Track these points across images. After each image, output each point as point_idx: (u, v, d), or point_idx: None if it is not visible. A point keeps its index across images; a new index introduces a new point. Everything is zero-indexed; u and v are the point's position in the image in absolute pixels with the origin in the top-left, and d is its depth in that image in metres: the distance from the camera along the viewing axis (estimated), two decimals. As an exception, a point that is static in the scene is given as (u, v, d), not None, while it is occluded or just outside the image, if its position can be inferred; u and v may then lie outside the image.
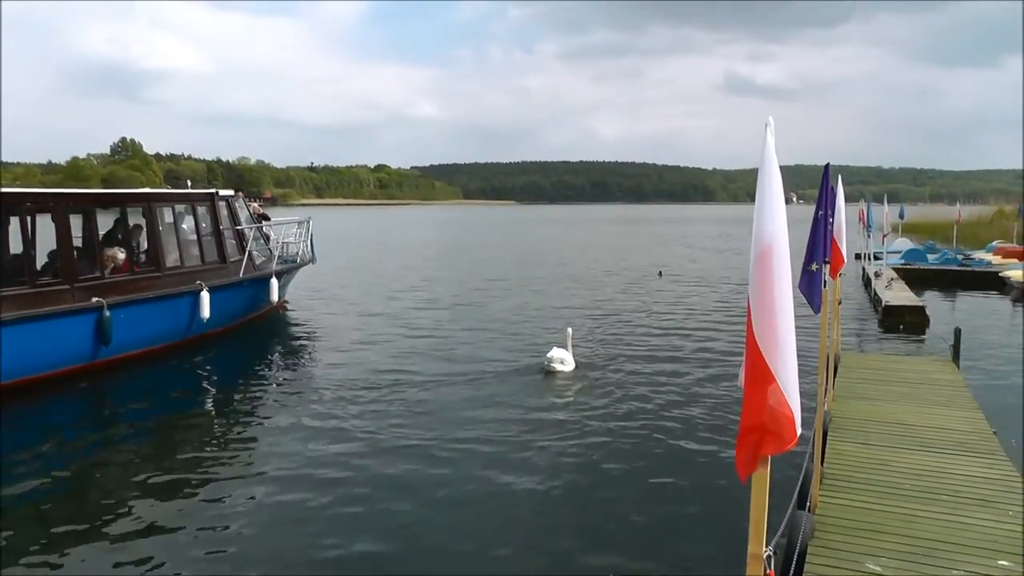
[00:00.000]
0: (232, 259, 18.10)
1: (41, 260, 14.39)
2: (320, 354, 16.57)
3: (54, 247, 14.38)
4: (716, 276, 31.44)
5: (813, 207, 6.69)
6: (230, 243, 18.26)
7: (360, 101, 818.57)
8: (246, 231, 19.09)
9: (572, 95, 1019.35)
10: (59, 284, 13.94)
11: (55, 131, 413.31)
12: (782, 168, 3.10)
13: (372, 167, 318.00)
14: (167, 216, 16.91)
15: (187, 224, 17.41)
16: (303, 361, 16.18)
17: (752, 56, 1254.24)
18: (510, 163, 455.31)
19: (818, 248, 6.52)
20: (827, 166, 6.74)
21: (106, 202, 16.67)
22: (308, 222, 23.27)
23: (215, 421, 12.10)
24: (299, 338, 19.00)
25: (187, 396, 13.50)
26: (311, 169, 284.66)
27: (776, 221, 3.03)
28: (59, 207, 14.55)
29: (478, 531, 7.77)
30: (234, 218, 18.76)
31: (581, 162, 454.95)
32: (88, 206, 15.79)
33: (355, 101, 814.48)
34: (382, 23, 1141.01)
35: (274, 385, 14.03)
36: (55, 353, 13.54)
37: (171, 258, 16.48)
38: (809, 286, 6.34)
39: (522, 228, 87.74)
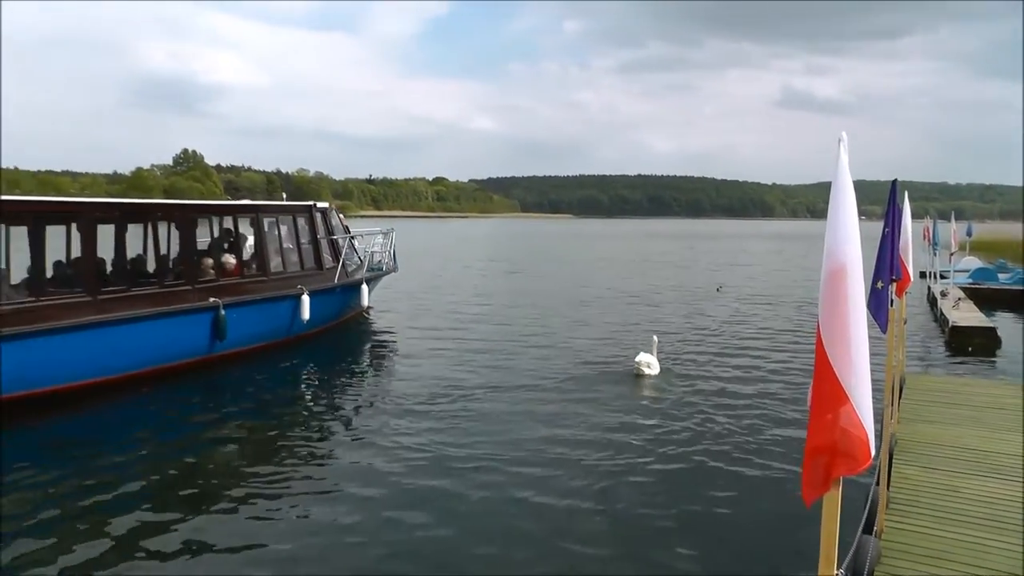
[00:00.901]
0: (328, 266, 19.49)
1: (152, 264, 15.75)
2: (401, 359, 17.31)
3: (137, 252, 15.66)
4: (775, 293, 31.10)
5: (874, 223, 6.56)
6: (326, 251, 19.64)
7: (416, 115, 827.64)
8: (340, 240, 20.44)
9: (627, 109, 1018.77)
10: (182, 285, 15.33)
11: (120, 143, 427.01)
12: (840, 184, 3.02)
13: (430, 180, 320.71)
14: (271, 226, 18.25)
15: (288, 233, 18.70)
16: (386, 365, 17.08)
17: (809, 70, 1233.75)
18: (567, 176, 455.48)
19: (884, 266, 6.43)
20: (894, 182, 6.61)
21: (221, 212, 17.98)
22: (392, 233, 24.45)
23: (303, 420, 12.54)
24: (381, 342, 19.91)
25: (283, 394, 14.46)
26: (369, 181, 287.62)
27: (850, 239, 2.97)
28: (184, 216, 15.96)
29: (578, 533, 7.92)
30: (329, 228, 20.16)
31: (639, 176, 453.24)
32: (206, 216, 17.20)
33: (411, 115, 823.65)
34: (438, 39, 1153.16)
35: (358, 387, 14.89)
36: (179, 346, 14.91)
37: (275, 264, 17.83)
38: (875, 305, 6.22)
39: (580, 242, 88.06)
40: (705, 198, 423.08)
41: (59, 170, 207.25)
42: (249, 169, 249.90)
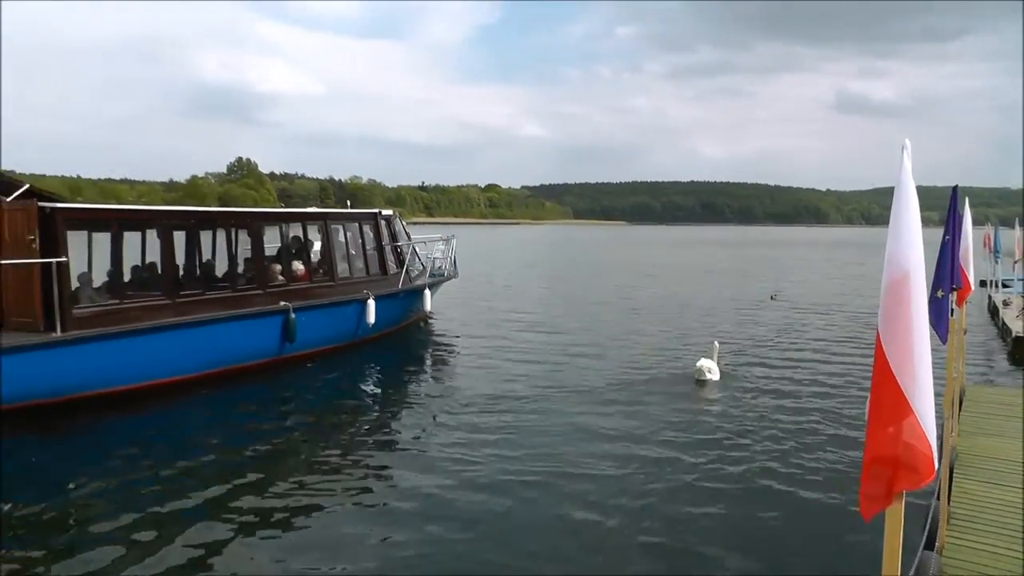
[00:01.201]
0: (392, 271, 20.08)
1: (222, 268, 16.35)
2: (460, 364, 17.58)
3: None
4: (830, 302, 30.51)
5: (930, 230, 6.44)
6: (390, 257, 20.26)
7: (467, 122, 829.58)
8: (404, 247, 21.07)
9: (679, 114, 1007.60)
10: (254, 289, 15.90)
11: (176, 152, 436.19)
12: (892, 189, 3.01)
13: (482, 186, 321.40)
14: (338, 232, 18.78)
15: (354, 239, 19.29)
16: (444, 370, 17.39)
17: (864, 73, 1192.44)
18: (619, 183, 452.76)
19: (944, 274, 6.34)
20: (955, 188, 6.52)
21: (291, 219, 18.52)
22: (452, 240, 25.01)
23: (363, 423, 12.84)
24: (441, 347, 20.23)
25: (346, 396, 14.82)
26: (422, 188, 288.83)
27: (913, 247, 2.94)
28: (255, 223, 16.49)
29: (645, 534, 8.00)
30: (393, 235, 20.76)
31: (691, 182, 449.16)
32: (277, 223, 17.75)
33: (462, 122, 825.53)
34: (487, 45, 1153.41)
35: (417, 391, 15.15)
36: (250, 348, 15.49)
37: (342, 269, 18.41)
38: (935, 314, 6.10)
39: (633, 249, 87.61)
40: (758, 204, 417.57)
41: (118, 178, 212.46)
42: (302, 176, 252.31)
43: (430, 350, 19.94)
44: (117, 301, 13.77)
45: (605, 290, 35.43)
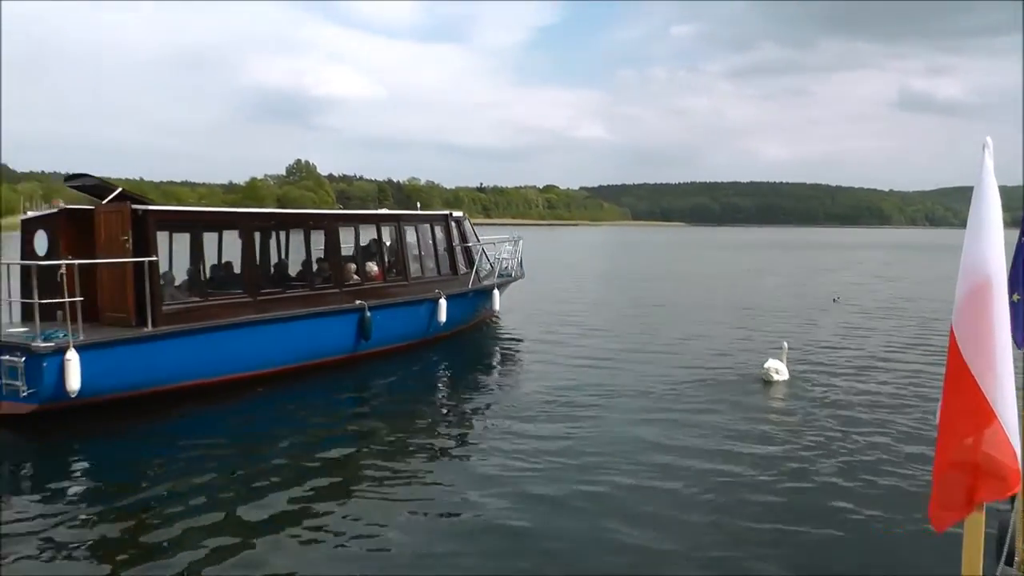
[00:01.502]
0: (462, 272, 20.49)
1: (300, 268, 16.80)
2: (526, 363, 17.79)
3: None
4: (895, 306, 29.60)
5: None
6: (460, 258, 20.67)
7: (525, 124, 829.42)
8: (473, 247, 21.47)
9: (738, 114, 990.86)
10: (331, 288, 16.37)
11: (236, 155, 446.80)
12: (966, 190, 3.02)
13: (540, 188, 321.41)
14: (411, 233, 19.27)
15: (426, 240, 19.76)
16: (511, 368, 17.64)
17: (930, 69, 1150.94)
18: (678, 184, 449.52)
19: (1020, 276, 6.21)
20: None
21: (366, 221, 19.01)
22: (519, 241, 25.42)
23: (431, 418, 13.11)
24: (508, 346, 20.45)
25: (417, 392, 15.18)
26: (480, 190, 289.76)
27: (994, 251, 2.84)
28: (331, 225, 16.96)
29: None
30: (463, 236, 21.21)
31: (751, 183, 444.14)
32: (352, 224, 18.19)
33: (521, 124, 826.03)
34: (546, 48, 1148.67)
35: (484, 389, 15.25)
36: (328, 344, 15.96)
37: (414, 269, 18.89)
38: (1012, 318, 6.04)
39: (692, 251, 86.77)
40: (818, 206, 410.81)
41: (179, 181, 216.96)
42: (361, 178, 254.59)
43: (496, 350, 20.19)
44: (202, 299, 14.33)
45: (666, 292, 35.33)
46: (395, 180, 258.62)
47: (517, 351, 19.56)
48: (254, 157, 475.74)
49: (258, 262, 15.62)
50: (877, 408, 13.23)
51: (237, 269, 15.70)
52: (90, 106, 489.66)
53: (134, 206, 13.50)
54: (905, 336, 21.69)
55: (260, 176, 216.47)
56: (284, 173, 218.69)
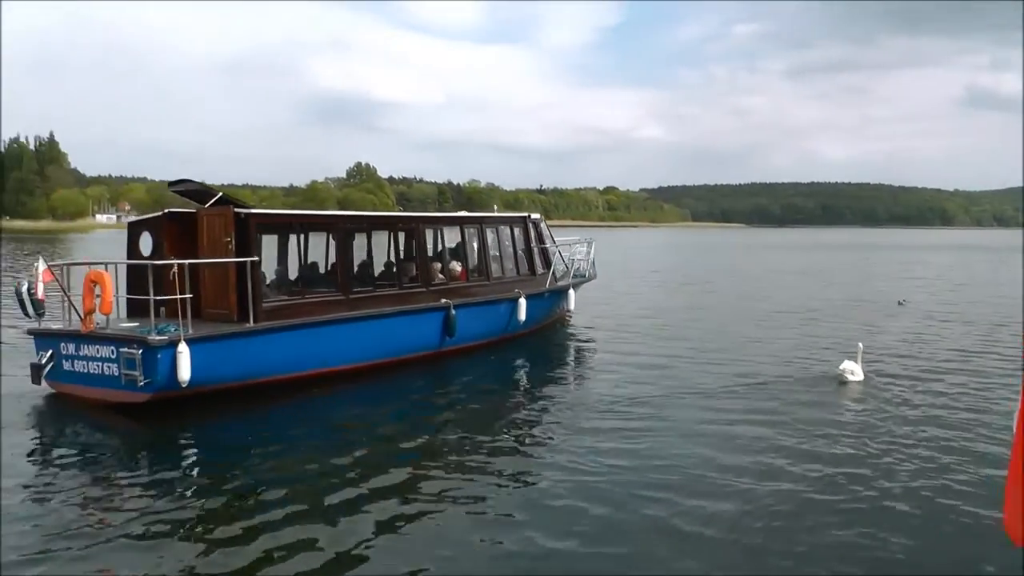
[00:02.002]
0: (539, 272, 20.89)
1: (389, 268, 17.26)
2: (598, 362, 17.91)
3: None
4: (961, 310, 28.30)
5: None
6: (538, 258, 21.05)
7: (585, 125, 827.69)
8: (550, 249, 21.88)
9: (798, 113, 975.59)
10: (419, 287, 16.91)
11: (297, 158, 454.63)
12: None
13: (601, 189, 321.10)
14: (491, 235, 19.74)
15: (506, 241, 20.20)
16: (584, 368, 17.78)
17: (996, 65, 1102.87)
18: (738, 185, 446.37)
19: None
20: None
21: (451, 223, 19.57)
22: (591, 242, 25.72)
23: (507, 417, 13.14)
24: (582, 345, 20.64)
25: (496, 389, 15.48)
26: (539, 191, 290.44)
27: None
28: (418, 227, 17.56)
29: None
30: (540, 237, 21.59)
31: (812, 183, 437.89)
32: (437, 226, 18.80)
33: (580, 125, 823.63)
34: (609, 48, 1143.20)
35: (558, 390, 15.34)
36: (415, 341, 16.48)
37: (495, 269, 19.34)
38: None
39: (754, 253, 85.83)
40: (880, 206, 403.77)
41: (240, 184, 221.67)
42: (421, 181, 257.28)
43: (571, 349, 20.43)
44: (298, 296, 14.87)
45: (728, 296, 35.07)
46: (454, 182, 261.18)
47: (591, 350, 19.73)
48: (314, 160, 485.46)
49: (350, 262, 16.10)
50: (949, 415, 12.79)
51: (326, 268, 16.32)
52: (152, 110, 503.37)
53: (236, 209, 14.10)
54: (974, 340, 20.98)
55: (320, 179, 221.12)
56: (344, 176, 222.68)
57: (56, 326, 13.69)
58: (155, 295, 12.61)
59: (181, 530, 8.09)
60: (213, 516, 8.52)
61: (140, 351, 12.26)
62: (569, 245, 24.97)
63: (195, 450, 11.39)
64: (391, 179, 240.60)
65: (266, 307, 13.93)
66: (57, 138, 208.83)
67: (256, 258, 13.86)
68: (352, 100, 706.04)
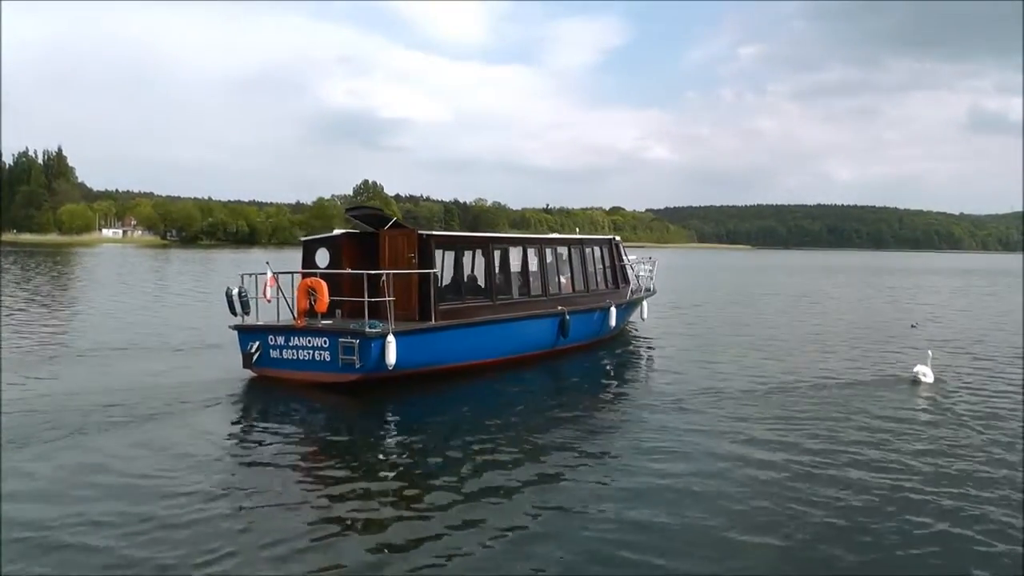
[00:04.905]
0: (621, 285, 25.53)
1: (522, 279, 21.22)
2: (665, 363, 21.43)
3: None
4: (972, 337, 27.41)
5: None
6: (620, 274, 25.73)
7: (592, 145, 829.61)
8: (628, 266, 26.52)
9: (805, 135, 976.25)
10: (541, 297, 21.22)
11: (304, 175, 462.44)
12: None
13: (607, 209, 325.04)
14: (590, 253, 24.26)
15: (599, 259, 24.80)
16: (654, 366, 21.68)
17: (1001, 88, 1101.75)
18: (745, 206, 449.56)
19: None
20: None
21: (563, 244, 23.67)
22: (654, 260, 30.38)
23: (601, 412, 15.40)
24: (649, 347, 24.56)
25: (609, 379, 19.72)
26: (546, 211, 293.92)
27: None
28: (544, 247, 22.05)
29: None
30: (620, 256, 26.24)
31: (818, 205, 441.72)
32: (556, 246, 23.01)
33: (587, 145, 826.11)
34: (614, 70, 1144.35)
35: (637, 386, 18.73)
36: (539, 340, 20.62)
37: (592, 282, 23.84)
38: None
39: (762, 276, 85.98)
40: (887, 229, 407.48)
41: (246, 200, 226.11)
42: (427, 199, 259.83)
43: (642, 348, 24.42)
44: (460, 301, 19.13)
45: (771, 310, 38.71)
46: (461, 201, 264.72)
47: (653, 352, 23.69)
48: (322, 177, 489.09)
49: (496, 274, 20.14)
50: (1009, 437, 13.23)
51: (480, 279, 20.37)
52: (161, 125, 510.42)
53: (419, 231, 18.56)
54: (994, 366, 20.97)
55: (327, 196, 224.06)
56: (351, 193, 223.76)
57: (260, 322, 17.95)
58: (346, 298, 17.46)
59: (371, 481, 10.67)
60: (403, 472, 11.29)
61: (357, 341, 16.35)
62: (633, 265, 28.63)
63: (397, 417, 15.22)
64: (397, 197, 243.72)
65: (441, 309, 18.14)
66: (65, 152, 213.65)
67: (435, 270, 18.16)
68: (360, 118, 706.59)
